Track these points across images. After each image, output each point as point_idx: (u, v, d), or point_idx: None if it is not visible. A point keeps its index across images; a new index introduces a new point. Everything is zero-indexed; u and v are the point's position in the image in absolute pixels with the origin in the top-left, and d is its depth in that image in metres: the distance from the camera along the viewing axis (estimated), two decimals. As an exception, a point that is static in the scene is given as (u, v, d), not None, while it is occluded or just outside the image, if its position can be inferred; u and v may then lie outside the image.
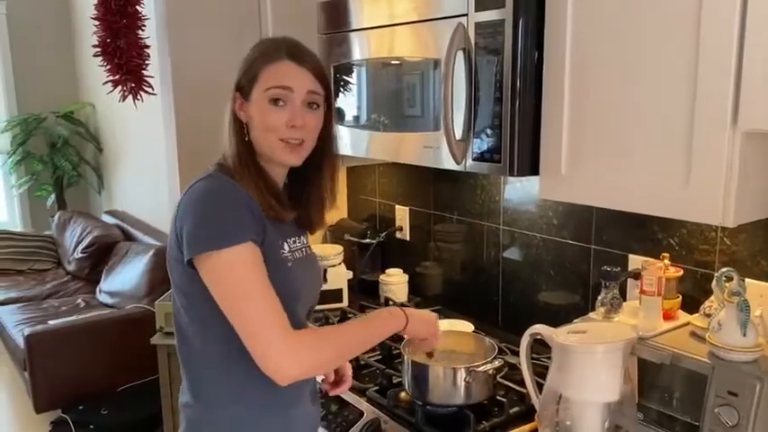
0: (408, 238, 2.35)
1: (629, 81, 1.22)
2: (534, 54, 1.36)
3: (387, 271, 2.29)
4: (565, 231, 1.79)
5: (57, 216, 4.94)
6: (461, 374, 1.43)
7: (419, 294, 2.29)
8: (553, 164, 1.37)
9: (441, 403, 1.46)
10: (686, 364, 1.26)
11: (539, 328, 1.34)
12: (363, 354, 1.74)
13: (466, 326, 1.90)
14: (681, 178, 1.16)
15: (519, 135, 1.38)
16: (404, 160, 1.72)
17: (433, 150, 1.58)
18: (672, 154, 1.17)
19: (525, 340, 1.36)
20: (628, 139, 1.24)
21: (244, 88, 1.24)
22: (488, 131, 1.42)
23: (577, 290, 1.78)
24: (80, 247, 4.40)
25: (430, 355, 1.40)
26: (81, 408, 3.19)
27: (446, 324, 1.93)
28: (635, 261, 1.62)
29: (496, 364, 1.45)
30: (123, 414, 3.19)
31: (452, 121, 1.46)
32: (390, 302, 2.20)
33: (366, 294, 2.32)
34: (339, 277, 2.20)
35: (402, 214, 2.36)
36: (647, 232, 1.60)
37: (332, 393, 1.44)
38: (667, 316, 1.42)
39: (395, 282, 2.25)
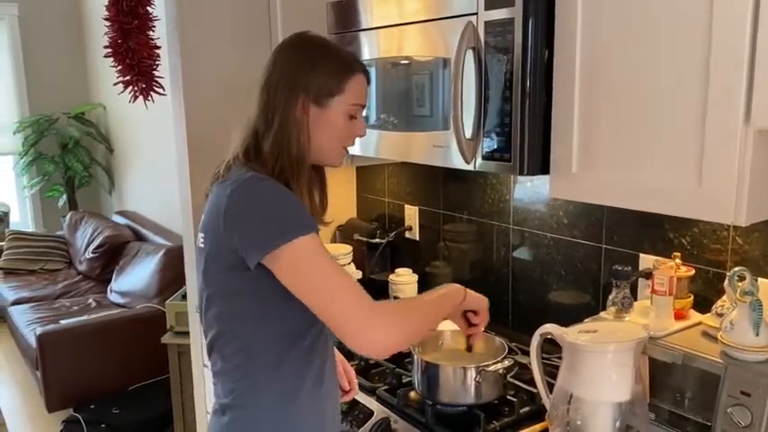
0: (418, 238, 2.35)
1: (640, 79, 1.22)
2: (544, 53, 1.36)
3: (396, 271, 2.28)
4: (575, 231, 1.79)
5: (68, 216, 4.97)
6: (471, 374, 1.43)
7: (429, 294, 2.29)
8: (564, 163, 1.37)
9: (451, 403, 1.46)
10: (698, 363, 1.26)
11: (549, 328, 1.34)
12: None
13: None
14: (693, 177, 1.16)
15: (529, 134, 1.38)
16: (413, 160, 1.72)
17: (443, 150, 1.58)
18: (684, 153, 1.17)
19: (535, 340, 1.35)
20: (639, 137, 1.24)
21: (321, 95, 1.23)
22: (498, 130, 1.41)
23: (588, 289, 1.77)
24: (91, 248, 4.43)
25: (469, 348, 1.41)
26: (92, 407, 3.21)
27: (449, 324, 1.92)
28: (646, 260, 1.61)
29: (506, 363, 1.45)
30: (134, 413, 3.21)
31: (462, 121, 1.46)
32: (400, 302, 2.20)
33: (375, 294, 2.30)
34: (349, 277, 2.20)
35: (411, 214, 2.36)
36: (658, 231, 1.59)
37: (344, 400, 1.46)
38: (679, 315, 1.41)
39: (404, 282, 2.25)
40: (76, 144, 5.21)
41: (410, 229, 2.36)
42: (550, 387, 1.36)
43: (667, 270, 1.37)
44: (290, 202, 1.17)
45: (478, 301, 1.38)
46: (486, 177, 2.04)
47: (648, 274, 1.57)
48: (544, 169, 1.41)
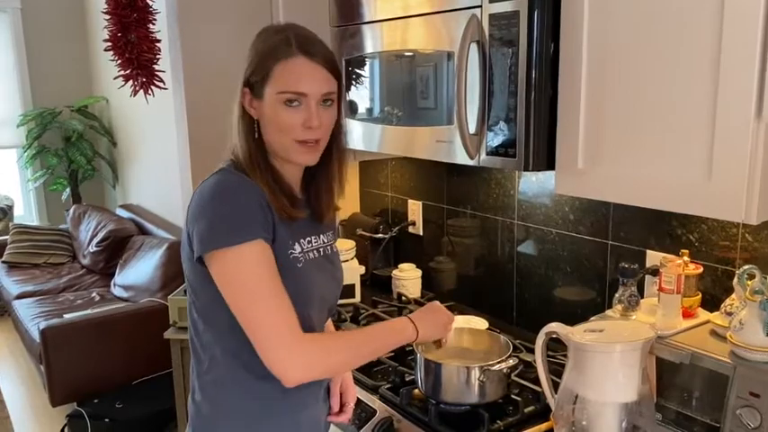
0: (421, 233, 2.32)
1: (648, 72, 1.19)
2: (550, 46, 1.33)
3: (399, 266, 2.27)
4: (581, 227, 1.76)
5: (71, 210, 4.96)
6: (475, 373, 1.41)
7: (432, 290, 2.27)
8: (570, 158, 1.34)
9: (454, 402, 1.44)
10: (706, 363, 1.23)
11: (554, 327, 1.31)
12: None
13: (480, 323, 1.87)
14: (702, 173, 1.13)
15: (534, 129, 1.35)
16: (416, 155, 1.69)
17: (446, 145, 1.56)
18: (693, 148, 1.14)
19: (540, 339, 1.33)
20: (647, 132, 1.21)
21: (254, 85, 1.18)
22: (503, 125, 1.39)
23: (594, 286, 1.75)
24: (95, 241, 4.42)
25: (438, 344, 1.37)
26: (96, 401, 3.20)
27: (461, 321, 1.90)
28: (653, 257, 1.58)
29: (511, 362, 1.42)
30: (138, 407, 3.20)
31: (466, 115, 1.43)
32: (403, 297, 2.18)
33: (379, 289, 2.30)
34: (351, 273, 2.18)
35: (415, 208, 2.33)
36: (665, 228, 1.56)
37: (330, 420, 1.42)
38: (687, 314, 1.39)
39: (408, 277, 2.23)
40: (80, 137, 5.19)
41: (413, 223, 2.34)
42: (555, 386, 1.34)
43: (675, 268, 1.34)
44: (240, 205, 1.13)
45: (437, 329, 1.33)
46: (490, 172, 2.02)
47: (655, 272, 1.54)
48: (550, 165, 1.38)
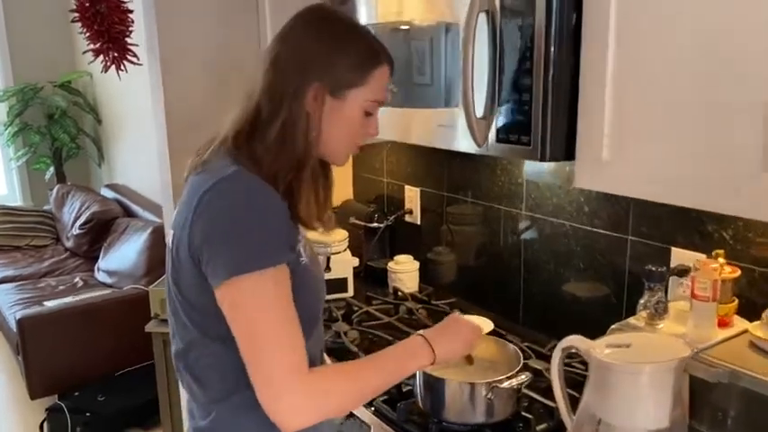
0: (419, 222, 2.15)
1: (689, 45, 1.01)
2: (572, 16, 1.15)
3: (396, 258, 2.10)
4: (597, 219, 1.59)
5: (54, 190, 4.78)
6: (482, 391, 1.24)
7: (431, 283, 2.10)
8: (593, 147, 1.16)
9: (458, 422, 1.28)
10: (747, 383, 1.07)
11: (573, 341, 1.15)
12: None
13: (485, 323, 1.70)
14: (753, 167, 0.95)
15: (552, 113, 1.18)
16: (415, 141, 1.52)
17: (449, 130, 1.38)
18: (742, 135, 0.96)
19: (557, 356, 1.17)
20: (686, 117, 1.03)
21: (339, 85, 1.04)
22: (515, 108, 1.21)
23: (609, 285, 1.58)
24: (78, 223, 4.25)
25: (469, 360, 1.22)
26: (77, 394, 3.05)
27: (462, 321, 1.74)
28: (679, 256, 1.42)
29: (523, 378, 1.26)
30: (121, 400, 3.06)
31: (473, 97, 1.25)
32: (399, 293, 2.01)
33: (373, 283, 2.13)
34: (344, 265, 2.01)
35: (412, 195, 2.16)
36: (694, 223, 1.39)
37: None
38: (721, 322, 1.22)
39: (405, 270, 2.06)
40: (63, 114, 4.99)
41: (411, 212, 2.16)
42: (572, 401, 1.18)
43: (711, 272, 1.18)
44: (268, 220, 0.98)
45: (459, 347, 1.18)
46: (496, 157, 1.84)
47: (683, 272, 1.38)
48: (569, 154, 1.21)
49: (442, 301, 1.93)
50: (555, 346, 1.62)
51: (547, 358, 1.60)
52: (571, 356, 1.51)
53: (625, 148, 1.12)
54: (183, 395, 1.20)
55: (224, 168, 1.01)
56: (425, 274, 2.10)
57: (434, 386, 1.28)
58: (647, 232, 1.49)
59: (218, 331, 1.04)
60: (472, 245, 1.98)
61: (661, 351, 1.09)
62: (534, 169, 1.73)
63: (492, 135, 1.27)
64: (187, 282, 1.04)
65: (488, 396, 1.23)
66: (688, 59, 1.01)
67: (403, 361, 1.09)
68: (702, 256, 1.37)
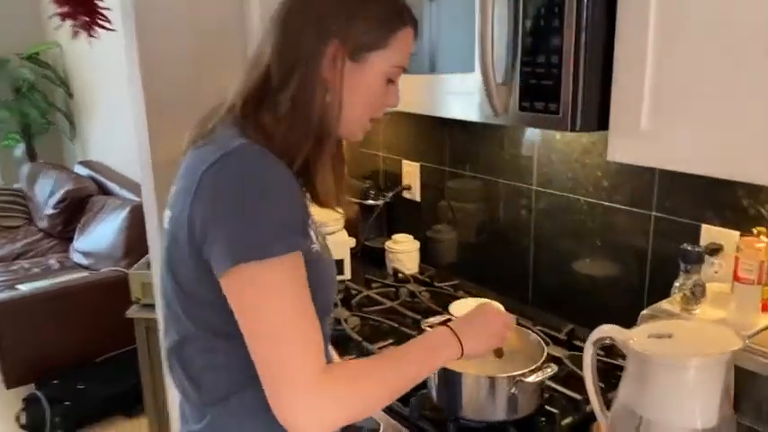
0: (419, 199, 2.02)
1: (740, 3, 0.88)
2: (608, -35, 1.02)
3: (394, 237, 1.98)
4: (617, 194, 1.47)
5: (25, 168, 4.57)
6: (504, 386, 1.13)
7: (432, 264, 1.98)
8: (630, 116, 1.04)
9: (477, 419, 1.17)
10: (800, 374, 0.97)
11: (608, 332, 1.04)
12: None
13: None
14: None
15: (585, 77, 1.05)
16: (420, 110, 1.38)
17: (462, 98, 1.25)
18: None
19: (589, 351, 1.05)
20: (742, 79, 0.91)
21: (359, 47, 0.92)
22: (542, 72, 1.08)
23: (630, 265, 1.48)
24: (51, 202, 4.06)
25: (498, 353, 1.11)
26: (56, 382, 2.91)
27: (471, 303, 1.63)
28: (710, 233, 1.31)
29: (549, 372, 1.15)
30: (102, 388, 2.93)
31: (493, 59, 1.12)
32: (400, 274, 1.89)
33: (371, 264, 2.01)
34: (340, 246, 1.89)
35: (411, 170, 2.02)
36: (727, 197, 1.28)
37: None
38: (764, 307, 1.12)
39: (404, 249, 1.94)
40: (31, 88, 4.75)
41: (409, 188, 2.03)
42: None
43: (756, 252, 1.07)
44: (277, 201, 0.85)
45: (490, 342, 1.06)
46: (502, 127, 1.71)
47: (714, 251, 1.28)
48: (602, 124, 1.08)
49: (446, 283, 1.82)
50: (571, 329, 1.54)
51: (564, 344, 1.50)
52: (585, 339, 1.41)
53: (668, 117, 1.00)
54: (176, 396, 1.07)
55: (229, 141, 0.88)
56: (426, 254, 1.98)
57: (451, 380, 1.17)
58: (673, 207, 1.38)
59: (218, 325, 0.93)
60: (476, 222, 1.86)
61: (708, 342, 0.98)
62: (546, 140, 1.61)
63: (513, 103, 1.14)
64: (185, 270, 0.92)
65: (512, 391, 1.12)
66: (746, 9, 0.89)
67: (430, 355, 0.98)
68: (735, 234, 1.27)
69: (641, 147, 1.04)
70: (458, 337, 0.99)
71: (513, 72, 1.13)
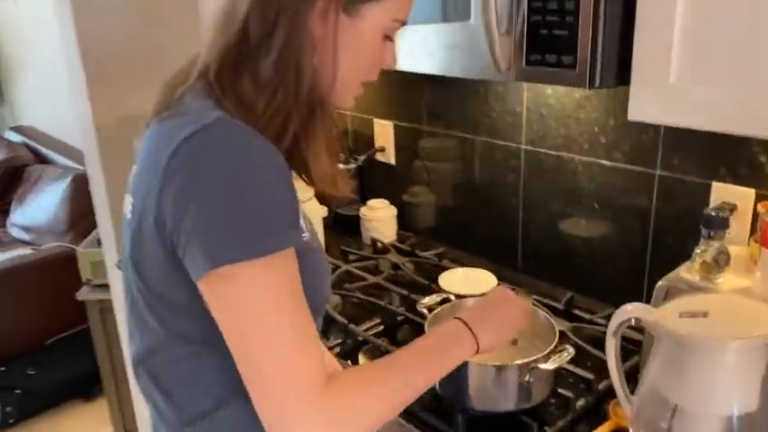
0: (393, 162, 1.88)
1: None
2: None
3: (368, 203, 1.84)
4: (617, 152, 1.37)
5: (-50, 137, 4.21)
6: (515, 374, 1.02)
7: (411, 230, 1.86)
8: (657, 69, 0.91)
9: (485, 410, 1.06)
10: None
11: (635, 312, 0.93)
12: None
13: (487, 278, 1.49)
14: None
15: (604, 27, 0.91)
16: (407, 67, 1.23)
17: (457, 52, 1.10)
18: None
19: (611, 341, 0.94)
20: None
21: None
22: (555, 21, 0.94)
23: (631, 229, 1.38)
24: (-18, 174, 3.75)
25: (514, 341, 1.00)
26: (3, 369, 2.71)
27: (461, 274, 1.52)
28: (722, 191, 1.22)
29: (567, 356, 1.04)
30: (55, 373, 2.75)
31: (496, 4, 0.97)
32: (378, 244, 1.77)
33: (345, 233, 1.87)
34: (312, 216, 1.70)
35: (383, 131, 1.88)
36: (741, 153, 1.18)
37: None
38: (790, 274, 1.04)
39: (379, 217, 1.81)
40: (-50, 48, 4.35)
41: (383, 149, 1.89)
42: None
43: (786, 216, 0.98)
44: (262, 188, 0.71)
45: (506, 333, 0.95)
46: (487, 82, 1.57)
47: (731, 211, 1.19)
48: (623, 79, 0.96)
49: (429, 252, 1.70)
50: (570, 297, 1.45)
51: (564, 315, 1.41)
52: (593, 313, 1.33)
53: (701, 71, 0.88)
54: (146, 411, 0.93)
55: (202, 114, 0.73)
56: (404, 221, 1.86)
57: (458, 369, 1.05)
58: (680, 165, 1.28)
59: (194, 332, 0.80)
60: (457, 185, 1.73)
61: (748, 321, 0.89)
62: (536, 95, 1.48)
63: (520, 57, 1.00)
64: (153, 267, 0.78)
65: (527, 379, 1.01)
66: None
67: (443, 357, 0.86)
68: (750, 192, 1.18)
69: (670, 103, 0.92)
70: (472, 332, 0.87)
71: (517, 20, 0.98)
